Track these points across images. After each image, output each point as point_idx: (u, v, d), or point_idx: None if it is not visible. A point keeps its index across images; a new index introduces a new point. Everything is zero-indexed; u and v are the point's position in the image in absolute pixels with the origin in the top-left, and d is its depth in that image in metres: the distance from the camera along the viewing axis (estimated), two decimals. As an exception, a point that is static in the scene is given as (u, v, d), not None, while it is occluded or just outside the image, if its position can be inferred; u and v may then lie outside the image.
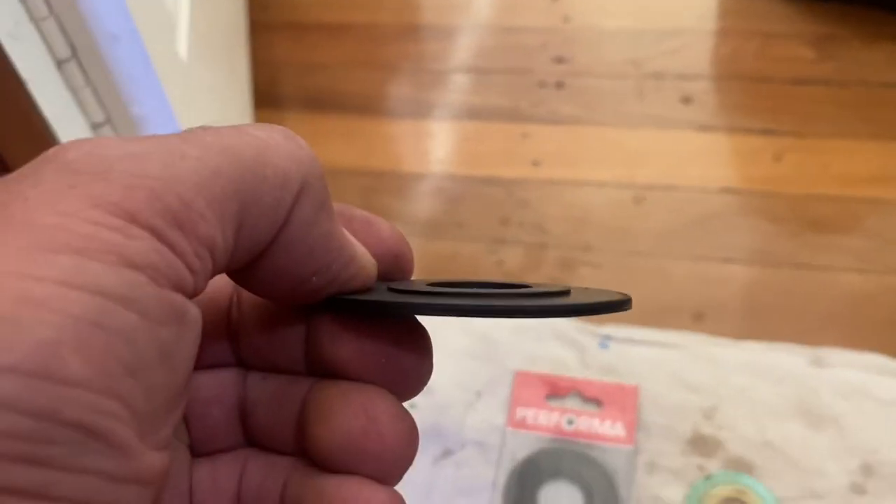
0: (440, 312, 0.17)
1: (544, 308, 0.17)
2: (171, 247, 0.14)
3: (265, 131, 0.16)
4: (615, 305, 0.18)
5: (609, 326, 0.67)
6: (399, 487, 0.18)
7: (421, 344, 0.19)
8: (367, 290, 0.19)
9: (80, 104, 0.58)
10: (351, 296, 0.18)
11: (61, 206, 0.13)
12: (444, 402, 0.63)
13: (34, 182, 0.13)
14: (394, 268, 0.20)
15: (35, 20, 0.54)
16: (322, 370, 0.19)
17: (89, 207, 0.13)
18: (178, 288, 0.14)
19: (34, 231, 0.12)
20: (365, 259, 0.18)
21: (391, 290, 0.19)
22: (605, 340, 0.66)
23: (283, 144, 0.16)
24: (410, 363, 0.19)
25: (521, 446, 0.61)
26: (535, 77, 1.04)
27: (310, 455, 0.18)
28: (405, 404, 0.19)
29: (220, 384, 0.20)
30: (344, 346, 0.18)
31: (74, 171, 0.13)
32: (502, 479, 0.60)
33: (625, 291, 0.19)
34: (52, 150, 0.14)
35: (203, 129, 0.15)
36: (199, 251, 0.14)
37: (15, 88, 0.52)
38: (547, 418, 0.62)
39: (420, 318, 0.19)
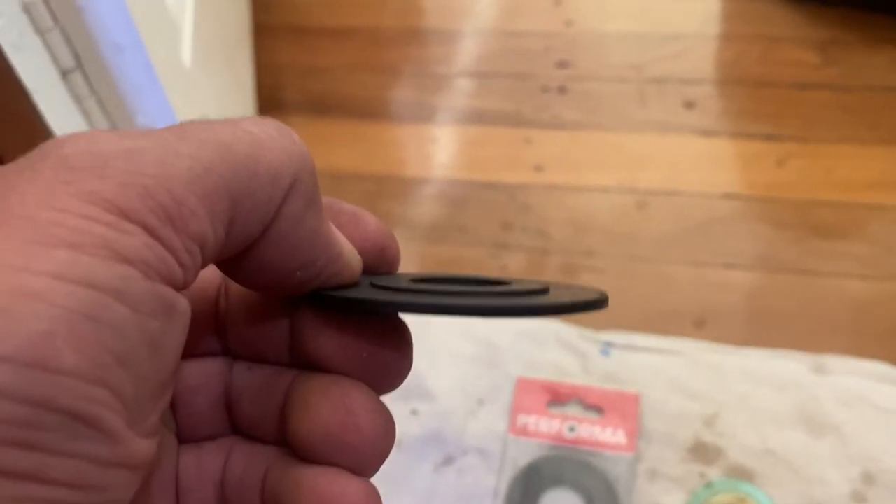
0: (419, 311, 0.17)
1: (521, 307, 0.17)
2: (163, 242, 0.14)
3: (259, 126, 0.16)
4: (592, 304, 0.18)
5: (610, 333, 0.67)
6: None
7: (401, 340, 0.20)
8: (352, 284, 0.19)
9: (85, 114, 0.59)
10: (334, 291, 0.19)
11: (57, 202, 0.13)
12: (446, 409, 0.64)
13: (31, 177, 0.14)
14: (379, 261, 0.20)
15: (40, 31, 0.54)
16: (305, 362, 0.19)
17: (84, 203, 0.13)
18: (169, 281, 0.14)
19: (30, 225, 0.13)
20: (350, 255, 0.19)
21: (374, 285, 0.19)
22: (606, 347, 0.66)
23: (277, 139, 0.16)
24: (390, 359, 0.19)
25: (523, 453, 0.61)
26: (538, 81, 1.04)
27: (291, 445, 0.19)
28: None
29: (207, 373, 0.20)
30: (326, 341, 0.19)
31: (70, 168, 0.14)
32: (504, 486, 0.60)
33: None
34: (49, 144, 0.14)
35: (198, 123, 0.16)
36: (190, 246, 0.15)
37: (20, 99, 0.53)
38: (548, 425, 0.62)
39: (405, 314, 0.20)
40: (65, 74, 0.57)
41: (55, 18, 0.55)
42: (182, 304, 0.15)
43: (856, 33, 1.01)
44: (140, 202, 0.14)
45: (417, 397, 0.64)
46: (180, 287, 0.15)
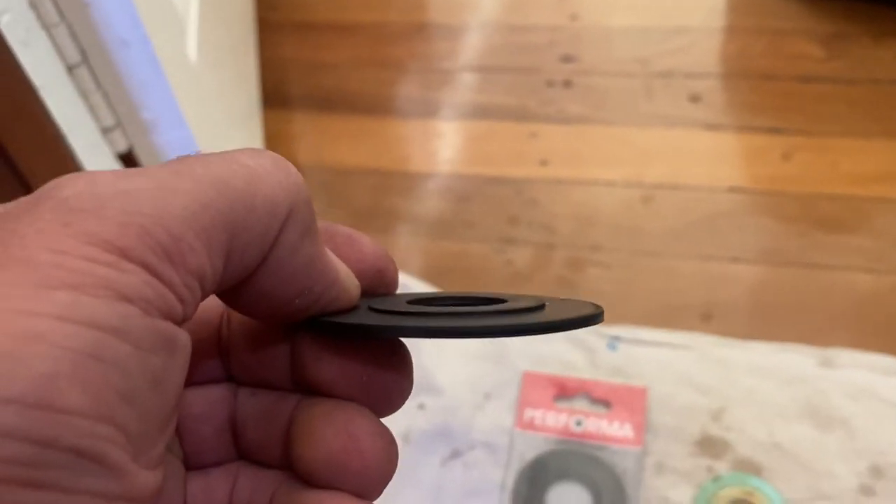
0: (417, 335, 0.18)
1: (517, 327, 0.18)
2: (162, 279, 0.14)
3: (255, 159, 0.16)
4: (587, 320, 0.18)
5: (617, 327, 0.67)
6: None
7: (401, 362, 0.20)
8: (350, 308, 0.19)
9: (91, 109, 0.59)
10: (333, 317, 0.19)
11: (57, 244, 0.13)
12: (453, 404, 0.64)
13: (31, 220, 0.14)
14: (377, 283, 0.21)
15: (46, 26, 0.54)
16: (307, 387, 0.20)
17: (84, 245, 0.13)
18: (169, 317, 0.15)
19: (32, 268, 0.13)
20: (348, 281, 0.19)
21: (372, 308, 0.19)
22: (613, 341, 0.66)
23: (273, 172, 0.17)
24: (391, 382, 0.20)
25: (530, 447, 0.61)
26: (543, 76, 1.04)
27: (295, 470, 0.19)
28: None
29: (212, 400, 0.21)
30: (325, 366, 0.19)
31: (69, 210, 0.14)
32: (511, 480, 0.60)
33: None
34: (48, 186, 0.15)
35: (195, 158, 0.16)
36: (189, 281, 0.15)
37: (26, 94, 0.53)
38: (555, 419, 0.62)
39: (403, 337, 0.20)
40: (71, 69, 0.57)
41: (61, 14, 0.55)
42: (183, 338, 0.15)
43: (860, 26, 1.00)
44: (138, 241, 0.14)
45: (425, 392, 0.64)
46: (180, 321, 0.15)
